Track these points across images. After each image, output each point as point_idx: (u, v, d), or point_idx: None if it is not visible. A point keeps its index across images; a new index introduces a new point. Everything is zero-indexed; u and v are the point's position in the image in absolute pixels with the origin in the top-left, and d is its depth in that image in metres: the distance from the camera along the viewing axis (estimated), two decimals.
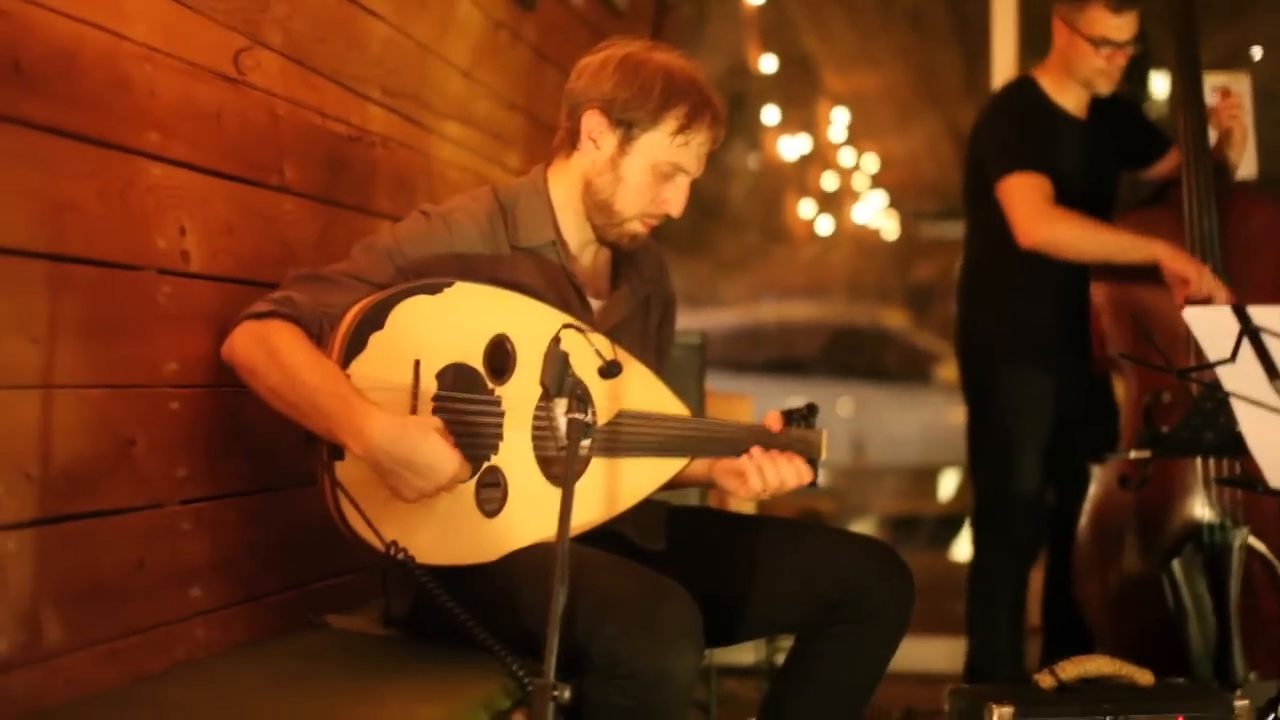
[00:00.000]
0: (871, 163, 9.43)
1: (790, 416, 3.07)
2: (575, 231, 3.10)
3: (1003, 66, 5.92)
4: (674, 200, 3.06)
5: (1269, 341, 2.74)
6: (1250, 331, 2.75)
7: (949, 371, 9.67)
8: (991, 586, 4.82)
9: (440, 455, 2.64)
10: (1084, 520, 4.60)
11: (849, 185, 9.27)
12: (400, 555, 2.65)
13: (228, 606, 3.06)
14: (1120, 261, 4.46)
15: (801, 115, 8.95)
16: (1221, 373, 2.88)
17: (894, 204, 9.61)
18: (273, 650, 3.04)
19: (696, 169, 3.06)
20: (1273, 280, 4.48)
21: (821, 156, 9.06)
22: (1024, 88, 4.78)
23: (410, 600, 2.97)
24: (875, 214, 9.61)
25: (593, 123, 3.03)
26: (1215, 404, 3.09)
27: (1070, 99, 4.71)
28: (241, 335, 2.76)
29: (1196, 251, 4.40)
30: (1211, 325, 2.84)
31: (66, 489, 2.59)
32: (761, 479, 3.00)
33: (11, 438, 2.47)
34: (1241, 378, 2.83)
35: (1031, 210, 4.50)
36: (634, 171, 3.02)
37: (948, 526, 8.55)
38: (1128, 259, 4.44)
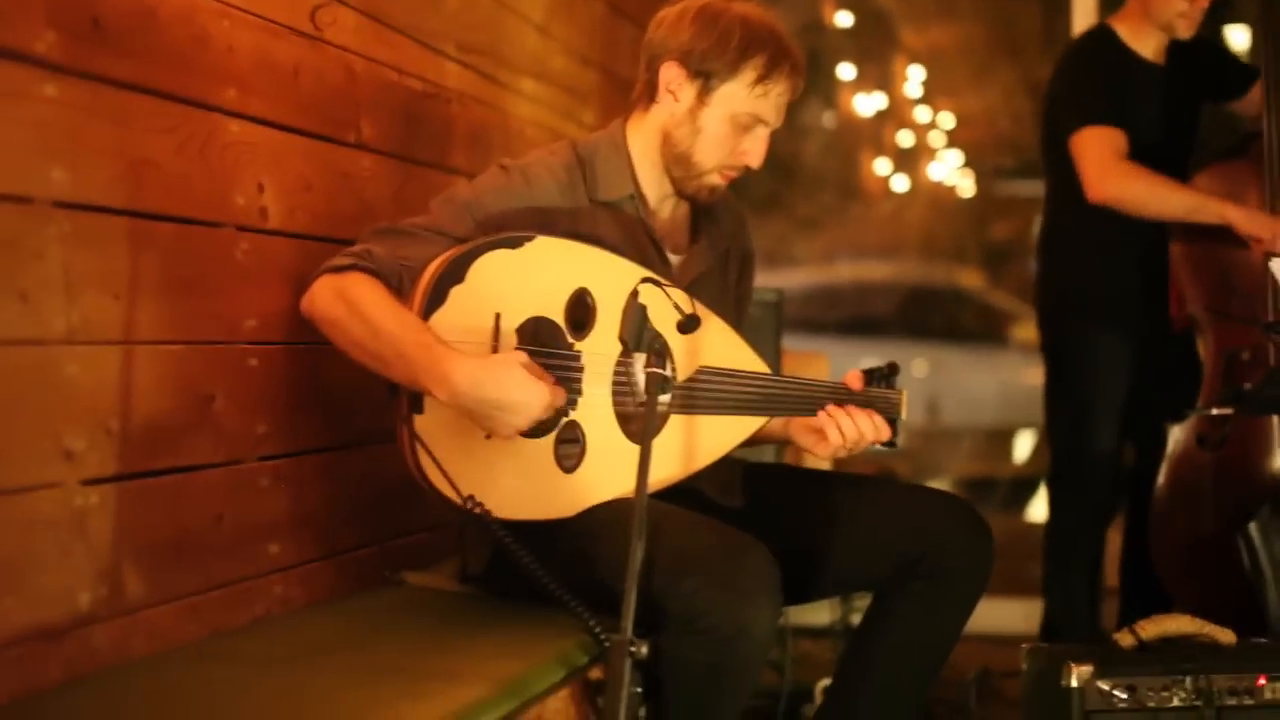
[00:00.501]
0: (947, 119, 9.35)
1: (871, 375, 3.05)
2: (654, 185, 3.09)
3: (1083, 18, 5.86)
4: (754, 151, 3.03)
5: None
6: None
7: (1025, 332, 9.60)
8: (1068, 547, 4.79)
9: (528, 389, 2.61)
10: (1162, 480, 4.55)
11: (925, 142, 9.20)
12: (478, 509, 2.64)
13: (306, 563, 3.08)
14: (1191, 220, 4.40)
15: (877, 72, 8.89)
16: None
17: (970, 162, 9.53)
18: (350, 607, 3.06)
19: (776, 120, 3.04)
20: None
21: (897, 113, 9.00)
22: (1101, 36, 4.71)
23: (487, 556, 2.97)
24: (951, 172, 9.54)
25: (671, 74, 3.01)
26: None
27: (1148, 45, 4.64)
28: (322, 288, 2.75)
29: (1277, 202, 4.34)
30: None
31: (147, 444, 2.60)
32: (840, 434, 2.97)
33: (94, 393, 2.48)
34: None
35: (1101, 166, 4.45)
36: (713, 122, 3.00)
37: (1024, 488, 8.49)
38: (1198, 219, 4.38)
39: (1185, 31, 4.57)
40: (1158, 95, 4.62)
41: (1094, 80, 4.58)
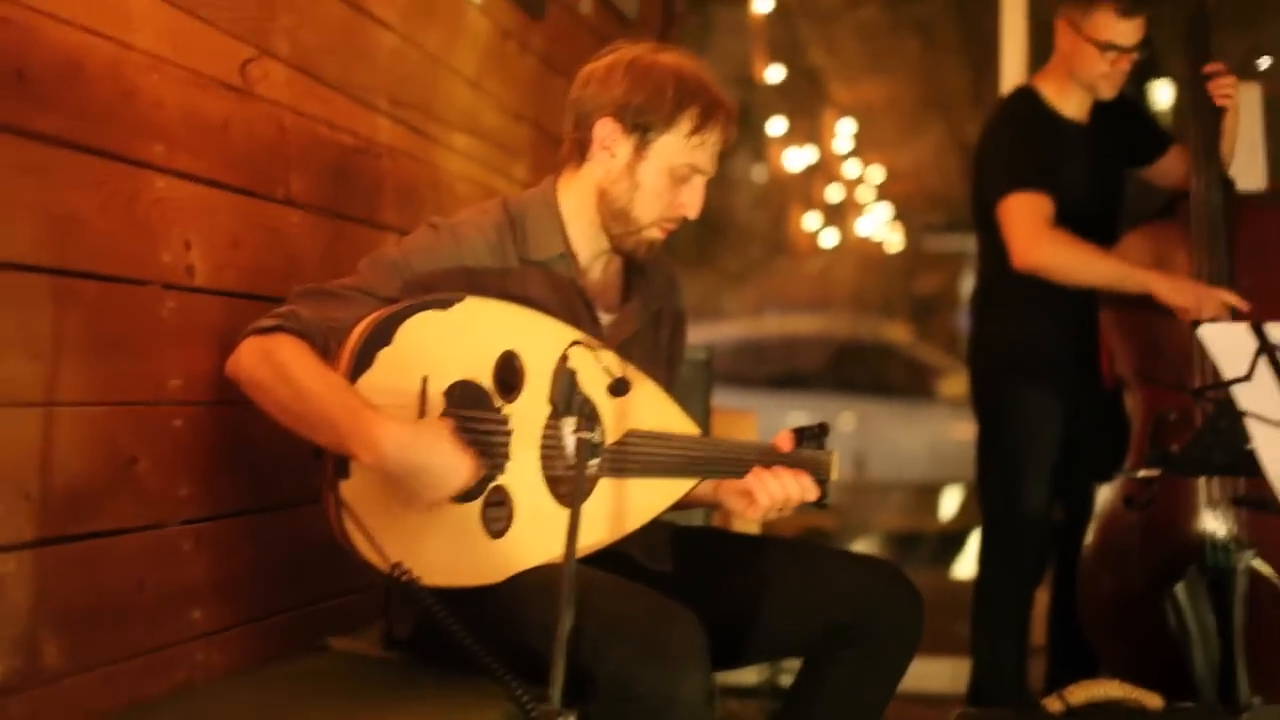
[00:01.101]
0: (877, 174, 9.41)
1: (801, 435, 3.03)
2: (586, 244, 3.07)
3: (1012, 76, 5.90)
4: (691, 202, 3.02)
5: None
6: (1268, 349, 2.72)
7: (953, 386, 9.66)
8: (997, 605, 4.80)
9: (454, 458, 2.60)
10: (1089, 539, 4.58)
11: (854, 197, 9.26)
12: (404, 576, 2.61)
13: (228, 629, 3.03)
14: (1116, 290, 4.43)
15: (807, 126, 8.94)
16: (1238, 391, 2.84)
17: (899, 216, 9.60)
18: (272, 673, 3.01)
19: (711, 168, 3.04)
20: None
21: (827, 168, 9.05)
22: (1025, 97, 4.75)
23: (413, 622, 2.93)
24: (880, 226, 9.60)
25: (606, 130, 2.99)
26: (1229, 423, 3.05)
27: (1072, 105, 4.68)
28: (247, 350, 2.72)
29: (1205, 265, 4.37)
30: (1227, 343, 2.81)
31: (67, 509, 2.55)
32: (769, 496, 2.96)
33: (12, 457, 2.44)
34: (1257, 396, 2.80)
35: (1028, 233, 4.48)
36: (651, 176, 2.99)
37: (951, 544, 8.54)
38: (1123, 288, 4.42)
39: (1108, 92, 4.62)
40: (1083, 154, 4.66)
41: (1020, 145, 4.62)
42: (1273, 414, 2.79)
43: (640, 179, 2.98)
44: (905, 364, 10.14)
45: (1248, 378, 2.76)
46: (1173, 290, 4.32)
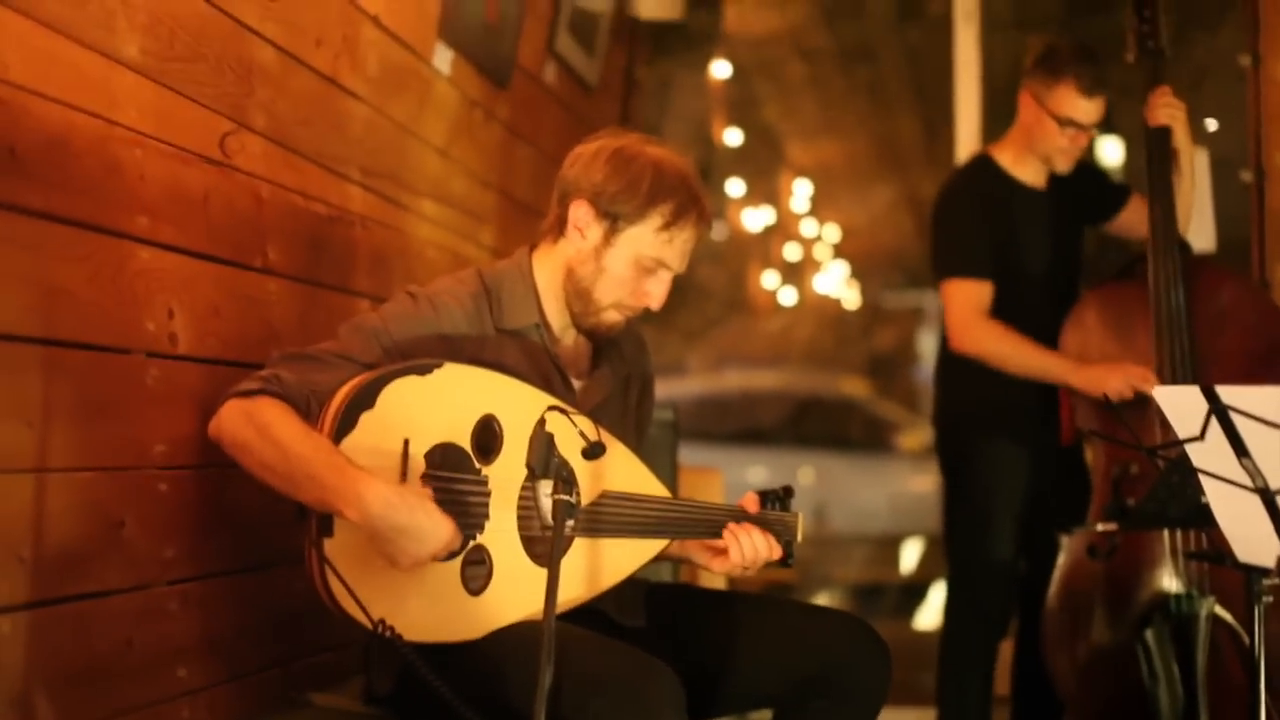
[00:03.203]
0: (833, 233, 9.51)
1: (767, 498, 3.12)
2: (558, 314, 3.14)
3: (966, 137, 6.00)
4: (655, 294, 3.10)
5: (1237, 420, 2.79)
6: (1218, 410, 2.80)
7: (911, 440, 9.74)
8: (963, 657, 4.85)
9: (436, 521, 2.67)
10: (1053, 590, 4.62)
11: (811, 255, 9.36)
12: (388, 633, 2.68)
13: (213, 686, 3.08)
14: (1042, 380, 4.56)
15: (765, 187, 9.04)
16: (1191, 449, 2.93)
17: (855, 273, 9.70)
18: None
19: (679, 265, 3.10)
20: (1238, 354, 4.53)
21: (784, 227, 9.15)
22: (982, 166, 4.83)
23: (394, 678, 2.99)
24: (837, 284, 9.69)
25: (580, 212, 3.06)
26: (1181, 477, 3.14)
27: (1029, 172, 4.76)
28: (230, 413, 2.79)
29: (1163, 326, 4.45)
30: (1180, 403, 2.89)
31: (58, 571, 2.61)
32: (741, 554, 3.04)
33: (6, 521, 2.50)
34: (1209, 455, 2.88)
35: (963, 321, 4.65)
36: (616, 263, 3.06)
37: (913, 595, 8.59)
38: (1047, 380, 4.55)
39: (1063, 166, 4.71)
40: (1042, 220, 4.75)
41: (970, 225, 4.70)
42: (1225, 473, 2.88)
43: (606, 264, 3.06)
44: (864, 418, 10.21)
45: (1200, 437, 2.84)
46: (1089, 381, 4.44)
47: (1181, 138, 4.62)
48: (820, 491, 9.69)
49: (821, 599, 8.69)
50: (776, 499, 3.14)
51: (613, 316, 3.11)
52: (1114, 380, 4.38)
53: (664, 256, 3.06)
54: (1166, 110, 4.57)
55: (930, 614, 7.74)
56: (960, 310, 4.64)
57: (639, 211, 3.03)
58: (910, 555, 9.44)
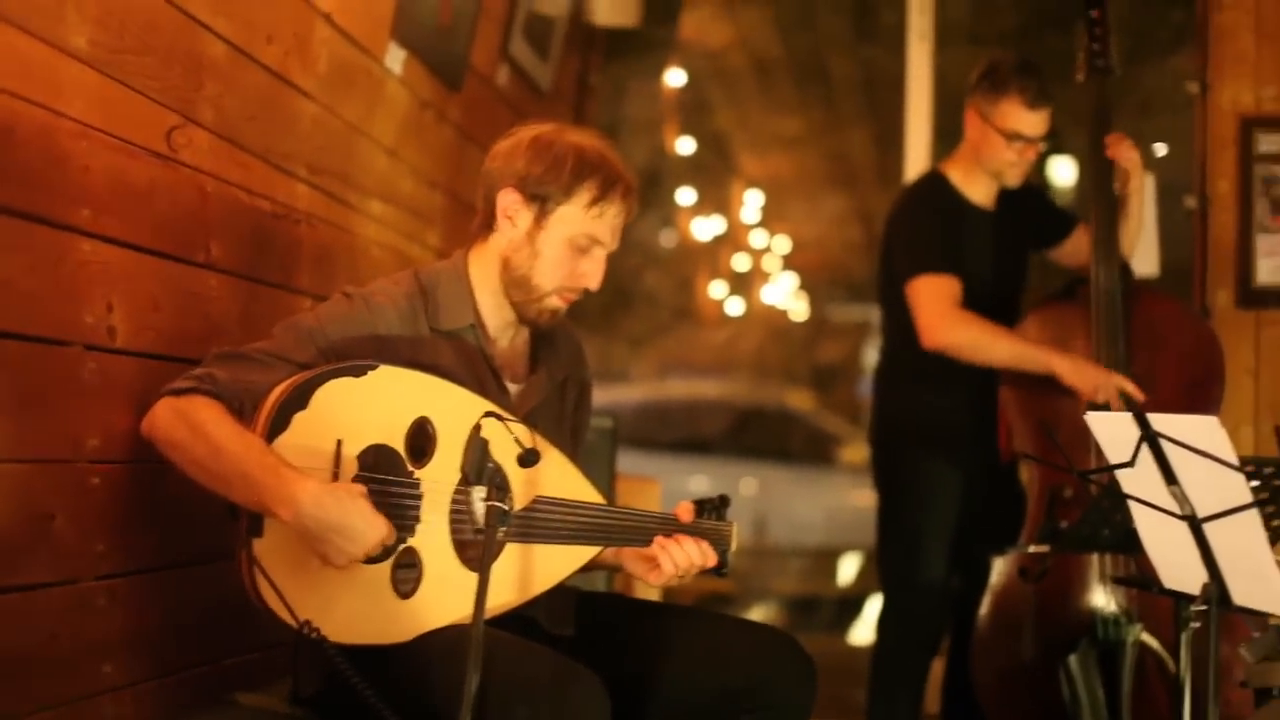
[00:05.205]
0: (783, 244, 9.53)
1: (702, 506, 3.12)
2: (494, 314, 3.15)
3: (916, 153, 6.02)
4: (591, 273, 3.11)
5: (1167, 447, 2.81)
6: (1149, 437, 2.83)
7: (852, 454, 9.76)
8: (893, 673, 4.86)
9: (368, 519, 2.68)
10: (984, 610, 4.65)
11: (760, 267, 9.37)
12: (314, 634, 2.67)
13: (139, 683, 3.07)
14: (1019, 368, 4.55)
15: (716, 196, 9.05)
16: (1122, 475, 2.95)
17: (804, 286, 9.71)
18: None
19: (612, 241, 3.12)
20: (1175, 377, 4.58)
21: (734, 238, 9.16)
22: (934, 183, 4.86)
23: (320, 679, 2.98)
24: (785, 295, 9.71)
25: (508, 200, 3.08)
26: (1112, 503, 3.16)
27: (979, 190, 4.80)
28: (163, 410, 2.79)
29: (1103, 352, 4.49)
30: (1112, 430, 2.92)
31: None
32: (673, 563, 3.04)
33: None
34: (1139, 481, 2.91)
35: (936, 313, 4.59)
36: (550, 245, 3.07)
37: (848, 609, 8.61)
38: (1026, 367, 4.53)
39: (1013, 180, 4.74)
40: (989, 239, 4.78)
41: (928, 228, 4.72)
42: (1153, 499, 2.90)
43: (540, 248, 3.07)
44: (807, 431, 10.23)
45: (1131, 464, 2.87)
46: (1073, 371, 4.44)
47: (1135, 184, 4.68)
48: (761, 503, 9.70)
49: (758, 611, 8.70)
50: (712, 508, 3.14)
51: (554, 302, 3.12)
52: (1107, 386, 4.39)
53: (596, 232, 3.08)
54: (1129, 156, 4.63)
55: (865, 629, 7.76)
56: (932, 304, 4.61)
57: (566, 190, 3.05)
58: (848, 569, 9.46)
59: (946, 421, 4.79)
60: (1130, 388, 4.40)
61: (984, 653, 4.64)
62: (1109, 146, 4.64)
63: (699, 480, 9.25)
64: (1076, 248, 4.87)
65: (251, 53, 3.54)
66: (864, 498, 5.07)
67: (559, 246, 3.07)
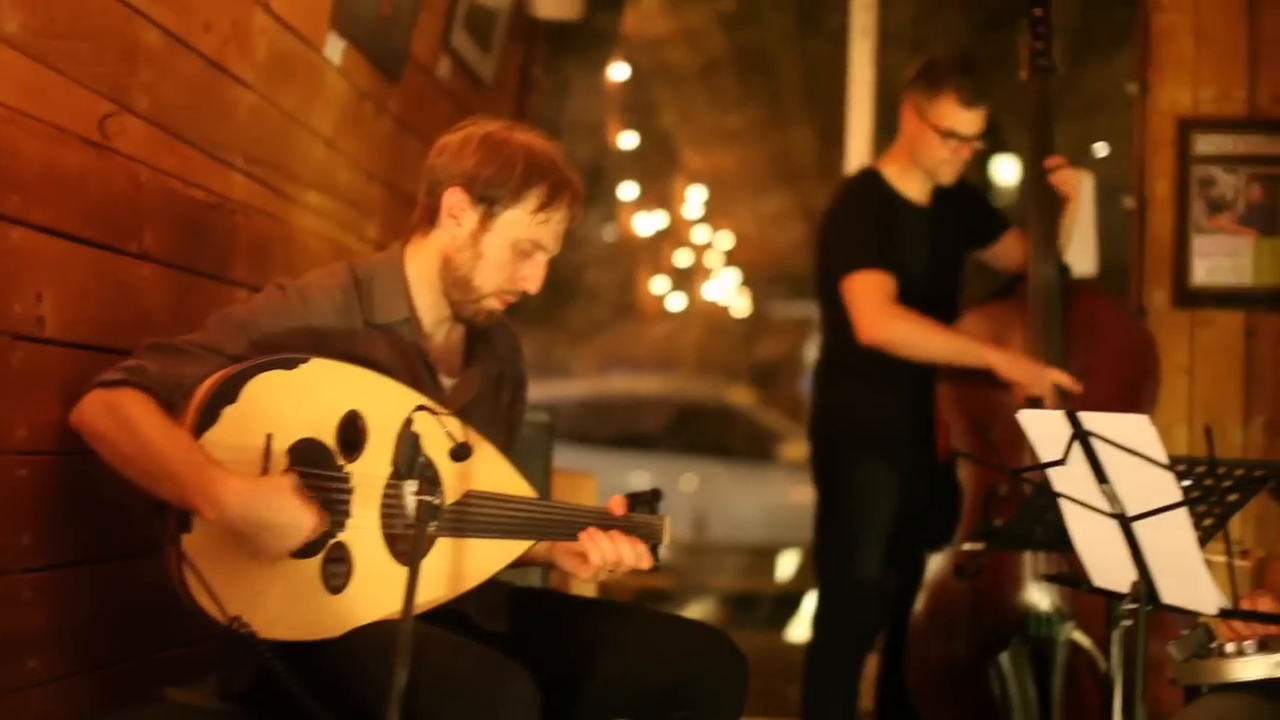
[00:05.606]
0: (725, 240, 9.53)
1: (634, 500, 3.11)
2: (430, 309, 3.13)
3: (857, 150, 6.03)
4: (532, 277, 3.10)
5: (1098, 446, 2.82)
6: (1080, 435, 2.83)
7: (793, 450, 9.77)
8: (828, 669, 4.88)
9: (297, 512, 2.67)
10: (919, 607, 4.67)
11: (702, 262, 9.37)
12: (242, 629, 2.66)
13: (65, 677, 3.04)
14: (957, 364, 4.57)
15: (658, 191, 9.04)
16: (1053, 473, 2.96)
17: (745, 282, 9.72)
18: None
19: (555, 247, 3.11)
20: (1111, 376, 4.60)
21: (676, 233, 9.16)
22: (868, 180, 4.87)
23: (250, 675, 2.96)
24: (726, 292, 9.71)
25: (454, 200, 3.06)
26: (1046, 501, 3.17)
27: (913, 187, 4.81)
28: (91, 403, 2.76)
29: (1040, 345, 4.51)
30: (1045, 427, 2.92)
31: None
32: (601, 556, 3.03)
33: None
34: (1071, 479, 2.92)
35: (872, 309, 4.60)
36: (494, 248, 3.06)
37: (786, 606, 8.61)
38: (963, 362, 4.55)
39: (947, 178, 4.76)
40: (924, 236, 4.79)
41: (863, 224, 4.73)
42: (1084, 498, 2.91)
43: (483, 250, 3.06)
44: (747, 427, 10.24)
45: (1062, 462, 2.87)
46: (1010, 365, 4.46)
47: (1072, 209, 4.72)
48: (701, 499, 9.71)
49: (696, 608, 8.70)
50: (645, 502, 3.14)
51: (492, 303, 3.11)
52: (1044, 380, 4.41)
53: (540, 238, 3.07)
54: (1068, 180, 4.66)
55: (802, 626, 7.77)
56: (868, 299, 4.62)
57: (514, 195, 3.03)
58: (786, 566, 9.48)
59: (885, 419, 4.81)
60: (1066, 381, 4.42)
61: (918, 650, 4.66)
62: (1050, 172, 4.66)
63: (639, 476, 9.25)
64: (1006, 250, 4.91)
65: (188, 40, 3.51)
66: (803, 494, 5.06)
67: (502, 250, 3.06)
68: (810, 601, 5.05)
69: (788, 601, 8.60)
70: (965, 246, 4.95)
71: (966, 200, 4.92)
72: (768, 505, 9.63)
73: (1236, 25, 5.28)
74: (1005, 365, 4.47)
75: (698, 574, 9.24)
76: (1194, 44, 5.31)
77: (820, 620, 4.95)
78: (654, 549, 3.11)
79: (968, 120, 4.65)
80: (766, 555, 9.56)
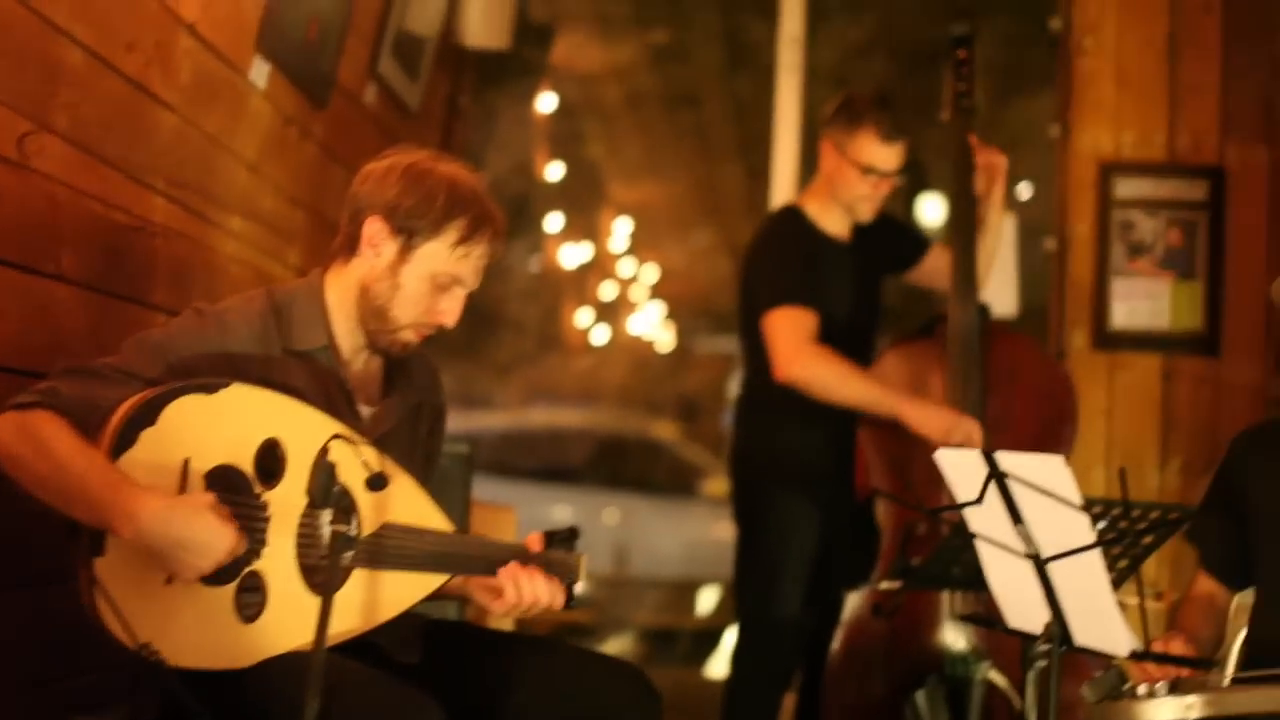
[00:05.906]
0: (650, 273, 9.54)
1: (552, 538, 3.10)
2: (348, 337, 3.11)
3: (782, 185, 6.06)
4: (449, 311, 3.08)
5: (1014, 487, 2.83)
6: (996, 476, 2.85)
7: (715, 485, 9.77)
8: (746, 707, 4.86)
9: (214, 531, 2.64)
10: (836, 645, 4.67)
11: (627, 295, 9.38)
12: (151, 656, 2.62)
13: None
14: (869, 411, 4.57)
15: (584, 223, 9.04)
16: (969, 513, 2.97)
17: (670, 315, 9.73)
18: None
19: (474, 281, 3.09)
20: (1028, 417, 4.63)
21: (602, 266, 9.16)
22: (789, 217, 4.88)
23: (159, 703, 2.93)
24: (651, 325, 9.72)
25: (374, 229, 3.04)
26: (962, 541, 3.18)
27: (834, 223, 4.82)
28: (4, 425, 2.72)
29: (958, 387, 4.53)
30: (962, 468, 2.93)
31: None
32: (517, 594, 3.01)
33: None
34: (988, 519, 2.93)
35: (790, 347, 4.60)
36: (412, 280, 3.04)
37: (705, 642, 8.60)
38: (877, 411, 4.54)
39: (866, 214, 4.77)
40: (844, 271, 4.80)
41: (785, 261, 4.73)
42: (1000, 538, 2.92)
43: (401, 281, 3.04)
44: (670, 461, 10.24)
45: (978, 501, 2.88)
46: (921, 419, 4.45)
47: (997, 195, 4.72)
48: (622, 533, 9.69)
49: (616, 642, 8.68)
50: (562, 540, 3.12)
51: (408, 336, 3.08)
52: (958, 431, 4.40)
53: (459, 272, 3.05)
54: (992, 167, 4.68)
55: (722, 662, 7.76)
56: (787, 337, 4.61)
57: (434, 227, 3.01)
58: (707, 601, 9.47)
59: (805, 456, 4.81)
60: (977, 437, 4.41)
61: (835, 688, 4.66)
62: (976, 151, 4.68)
63: (561, 509, 9.24)
64: (935, 267, 4.91)
65: (111, 60, 3.48)
66: (725, 530, 5.06)
67: (420, 282, 3.04)
68: (730, 637, 5.04)
69: (707, 637, 8.58)
70: (886, 274, 4.97)
71: (883, 229, 4.92)
72: (689, 540, 9.63)
73: (1157, 70, 5.34)
74: (917, 418, 4.46)
75: (618, 608, 9.22)
76: (1115, 88, 5.36)
77: (739, 657, 4.94)
78: (569, 587, 3.10)
79: (886, 155, 4.67)
80: (687, 590, 9.55)
